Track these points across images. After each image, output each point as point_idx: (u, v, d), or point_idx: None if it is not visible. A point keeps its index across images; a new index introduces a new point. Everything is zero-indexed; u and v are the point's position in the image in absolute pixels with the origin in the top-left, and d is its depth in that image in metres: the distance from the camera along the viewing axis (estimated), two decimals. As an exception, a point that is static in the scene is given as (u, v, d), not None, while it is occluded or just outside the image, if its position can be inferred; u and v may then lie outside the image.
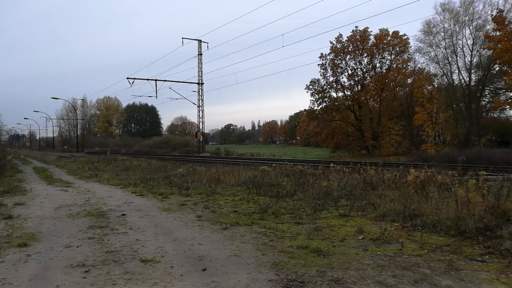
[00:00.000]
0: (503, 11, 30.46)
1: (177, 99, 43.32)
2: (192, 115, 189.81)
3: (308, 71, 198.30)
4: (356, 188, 8.55)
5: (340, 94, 44.75)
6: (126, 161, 23.67)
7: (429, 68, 39.09)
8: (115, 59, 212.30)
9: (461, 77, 34.90)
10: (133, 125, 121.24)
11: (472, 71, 34.48)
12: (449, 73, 35.31)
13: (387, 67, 42.51)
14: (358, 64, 43.41)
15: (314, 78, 44.65)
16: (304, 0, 34.12)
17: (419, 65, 41.52)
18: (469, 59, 33.97)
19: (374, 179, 9.39)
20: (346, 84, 44.20)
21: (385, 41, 41.59)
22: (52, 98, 57.91)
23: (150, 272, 3.96)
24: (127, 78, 39.49)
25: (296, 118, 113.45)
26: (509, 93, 34.31)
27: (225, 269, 4.03)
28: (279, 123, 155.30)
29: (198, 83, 44.61)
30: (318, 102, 44.54)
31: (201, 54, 44.13)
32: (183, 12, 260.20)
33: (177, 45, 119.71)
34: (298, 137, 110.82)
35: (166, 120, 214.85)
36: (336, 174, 11.19)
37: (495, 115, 38.73)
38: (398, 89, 44.00)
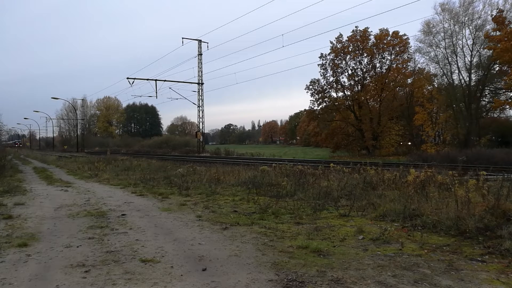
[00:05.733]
0: (503, 11, 30.49)
1: (177, 99, 43.43)
2: (192, 115, 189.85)
3: (308, 71, 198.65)
4: (356, 188, 8.55)
5: (340, 94, 44.86)
6: (126, 161, 23.67)
7: (429, 68, 39.20)
8: (115, 59, 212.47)
9: (461, 77, 34.97)
10: (133, 125, 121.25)
11: (472, 71, 34.52)
12: (449, 73, 35.36)
13: (387, 67, 42.56)
14: (358, 64, 43.49)
15: (314, 78, 44.78)
16: (304, 0, 34.12)
17: (419, 65, 41.63)
18: (469, 59, 34.04)
19: (374, 179, 9.39)
20: (346, 84, 44.31)
21: (385, 41, 41.62)
22: (52, 98, 58.07)
23: (150, 272, 3.96)
24: (127, 78, 39.58)
25: (296, 118, 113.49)
26: (509, 93, 34.34)
27: (225, 269, 4.03)
28: (279, 123, 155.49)
29: (198, 83, 44.62)
30: (318, 102, 44.63)
31: (201, 54, 44.16)
32: (183, 12, 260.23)
33: (177, 45, 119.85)
34: (298, 137, 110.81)
35: (166, 120, 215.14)
36: (336, 174, 11.19)
37: (495, 115, 38.75)
38: (398, 89, 44.03)
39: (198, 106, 44.98)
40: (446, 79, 36.12)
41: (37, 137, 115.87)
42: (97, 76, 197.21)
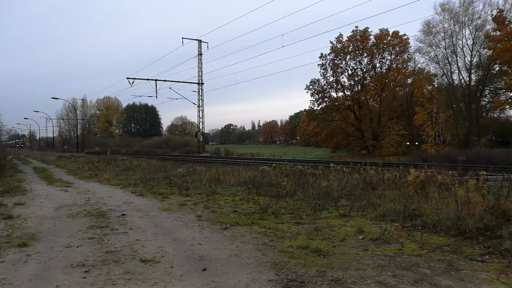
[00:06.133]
0: (503, 11, 30.49)
1: (177, 99, 43.43)
2: (192, 115, 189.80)
3: (308, 71, 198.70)
4: (356, 188, 8.55)
5: (340, 94, 44.86)
6: (126, 161, 23.66)
7: (429, 68, 39.24)
8: (115, 59, 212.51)
9: (461, 77, 34.98)
10: (133, 125, 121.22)
11: (472, 71, 34.52)
12: (449, 73, 35.37)
13: (387, 67, 42.56)
14: (358, 64, 43.49)
15: (314, 78, 44.77)
16: (304, 0, 34.13)
17: (419, 65, 41.69)
18: (469, 59, 34.04)
19: (374, 179, 9.39)
20: (346, 84, 44.31)
21: (385, 41, 41.62)
22: (52, 98, 58.07)
23: (150, 272, 3.96)
24: (127, 78, 39.57)
25: (296, 118, 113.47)
26: (509, 93, 34.34)
27: (225, 269, 4.03)
28: (279, 123, 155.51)
29: (198, 83, 44.62)
30: (318, 102, 44.63)
31: (201, 54, 44.15)
32: (183, 12, 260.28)
33: (177, 45, 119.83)
34: (298, 137, 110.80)
35: (166, 120, 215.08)
36: (336, 174, 11.19)
37: (495, 115, 38.76)
38: (398, 89, 44.05)
39: (198, 106, 45.02)
40: (446, 79, 36.16)
41: (37, 137, 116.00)
42: (97, 76, 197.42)
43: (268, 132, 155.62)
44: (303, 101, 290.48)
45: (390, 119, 41.64)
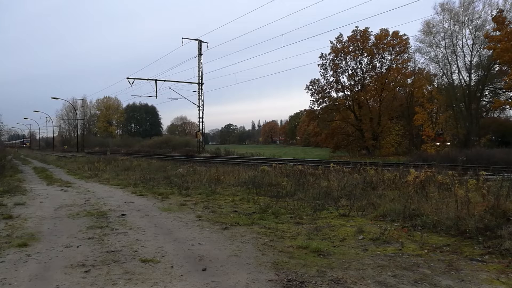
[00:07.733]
0: (503, 11, 30.48)
1: (177, 99, 43.36)
2: (192, 115, 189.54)
3: (308, 71, 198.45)
4: (356, 188, 8.55)
5: (340, 94, 44.76)
6: (126, 161, 23.66)
7: (429, 68, 39.20)
8: (115, 59, 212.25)
9: (461, 77, 34.96)
10: (133, 125, 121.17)
11: (472, 71, 34.51)
12: (449, 73, 35.35)
13: (387, 67, 42.49)
14: (358, 64, 43.40)
15: (314, 78, 44.65)
16: (304, 0, 34.12)
17: (419, 65, 41.61)
18: (469, 59, 34.02)
19: (374, 179, 9.39)
20: (346, 84, 44.20)
21: (385, 41, 41.57)
22: (52, 98, 58.02)
23: (150, 272, 3.96)
24: (127, 78, 39.50)
25: (296, 118, 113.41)
26: (509, 93, 34.32)
27: (225, 269, 4.03)
28: (279, 123, 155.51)
29: (198, 83, 44.60)
30: (318, 102, 44.54)
31: (201, 54, 44.13)
32: (183, 12, 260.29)
33: (177, 45, 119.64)
34: (298, 137, 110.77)
35: (166, 120, 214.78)
36: (336, 174, 11.18)
37: (495, 115, 38.75)
38: (398, 89, 43.98)
39: (198, 106, 44.99)
40: (446, 79, 36.15)
41: (37, 137, 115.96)
42: (97, 76, 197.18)
43: (268, 132, 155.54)
44: (303, 101, 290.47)
45: (390, 119, 41.61)
